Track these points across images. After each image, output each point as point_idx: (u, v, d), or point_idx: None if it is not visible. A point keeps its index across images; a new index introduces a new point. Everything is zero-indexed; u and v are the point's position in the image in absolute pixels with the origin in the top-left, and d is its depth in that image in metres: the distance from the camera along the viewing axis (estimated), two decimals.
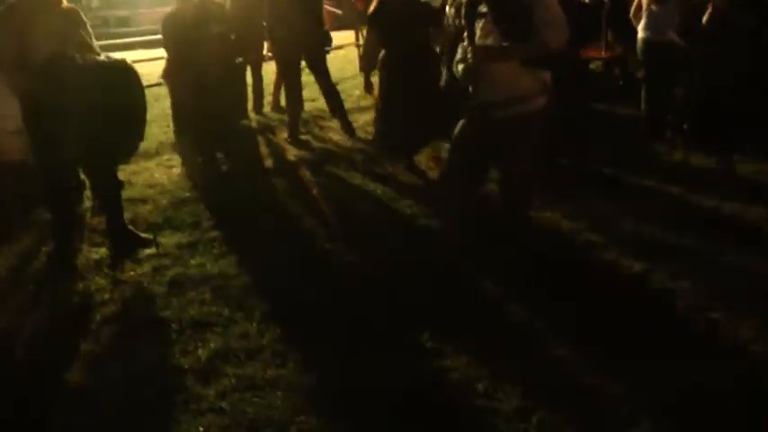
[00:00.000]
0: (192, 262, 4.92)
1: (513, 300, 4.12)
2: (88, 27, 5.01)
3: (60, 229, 5.08)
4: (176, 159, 7.45)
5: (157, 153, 7.69)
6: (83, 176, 5.48)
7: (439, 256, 4.74)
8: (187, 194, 6.39)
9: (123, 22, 14.61)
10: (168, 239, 5.35)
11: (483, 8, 4.09)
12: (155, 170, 7.08)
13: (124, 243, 5.19)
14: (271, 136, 8.43)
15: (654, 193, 5.86)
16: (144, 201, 6.18)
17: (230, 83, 8.00)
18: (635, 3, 7.39)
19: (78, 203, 5.64)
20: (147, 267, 4.89)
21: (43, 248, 5.23)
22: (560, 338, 3.69)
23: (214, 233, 5.43)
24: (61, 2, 4.85)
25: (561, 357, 3.55)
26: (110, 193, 5.25)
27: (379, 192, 6.17)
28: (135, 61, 6.09)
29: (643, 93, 7.41)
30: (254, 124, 9.02)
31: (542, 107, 4.20)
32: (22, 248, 5.33)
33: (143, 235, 5.34)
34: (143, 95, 4.99)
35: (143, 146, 5.58)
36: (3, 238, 5.38)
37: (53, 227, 5.13)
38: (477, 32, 4.10)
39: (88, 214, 5.72)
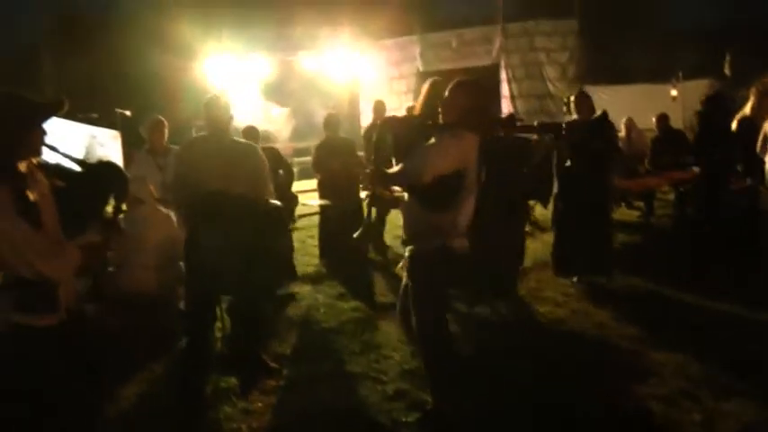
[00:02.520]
0: (320, 395, 4.94)
1: None
2: (260, 163, 5.31)
3: (193, 358, 5.24)
4: (307, 290, 7.67)
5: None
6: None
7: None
8: (316, 325, 6.52)
9: None
10: (297, 370, 5.44)
11: None
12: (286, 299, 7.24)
13: (254, 372, 5.30)
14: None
15: None
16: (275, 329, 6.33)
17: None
18: (761, 135, 7.25)
19: (212, 334, 5.83)
20: (273, 398, 4.96)
21: (173, 377, 5.36)
22: None
23: (342, 367, 5.48)
24: (226, 137, 5.24)
25: None
26: (251, 324, 5.43)
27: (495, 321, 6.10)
28: None
29: None
30: (374, 255, 9.14)
31: (436, 250, 4.29)
32: (153, 377, 5.48)
33: (272, 365, 5.45)
34: (290, 239, 5.26)
35: None
36: (135, 368, 5.55)
37: (185, 356, 5.29)
38: None
39: (218, 344, 5.88)
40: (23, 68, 20.93)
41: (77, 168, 4.03)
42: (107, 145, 17.10)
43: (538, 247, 8.74)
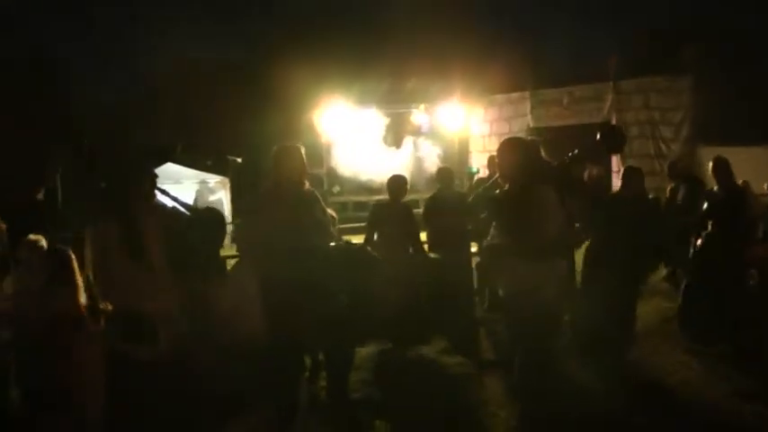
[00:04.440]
0: None
1: None
2: (322, 206, 5.39)
3: (286, 413, 5.32)
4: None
5: None
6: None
7: None
8: (422, 379, 6.56)
9: (360, 206, 15.69)
10: (402, 425, 5.52)
11: None
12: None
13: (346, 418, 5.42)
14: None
15: None
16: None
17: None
18: None
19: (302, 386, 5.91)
20: None
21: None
22: None
23: (447, 423, 5.50)
24: (302, 184, 5.22)
25: None
26: (338, 371, 5.57)
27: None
28: None
29: None
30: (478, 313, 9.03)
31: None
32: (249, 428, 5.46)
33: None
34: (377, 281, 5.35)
35: None
36: (237, 417, 5.63)
37: (279, 409, 5.37)
38: None
39: (323, 393, 5.94)
40: (143, 112, 22.32)
41: (187, 213, 4.27)
42: (217, 191, 17.77)
43: (649, 310, 8.48)
